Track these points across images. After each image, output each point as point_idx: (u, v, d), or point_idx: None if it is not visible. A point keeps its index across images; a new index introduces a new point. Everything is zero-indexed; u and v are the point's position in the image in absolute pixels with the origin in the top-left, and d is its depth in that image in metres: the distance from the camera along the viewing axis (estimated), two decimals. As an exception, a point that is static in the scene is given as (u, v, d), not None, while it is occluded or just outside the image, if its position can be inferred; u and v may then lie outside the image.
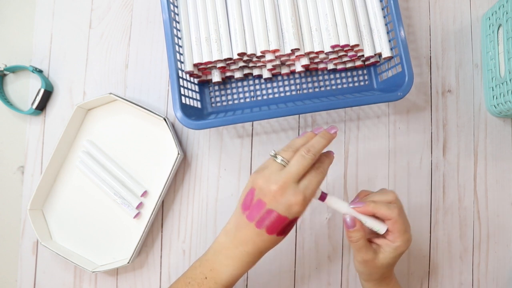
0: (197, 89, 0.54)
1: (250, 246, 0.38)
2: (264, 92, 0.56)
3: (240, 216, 0.39)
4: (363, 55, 0.53)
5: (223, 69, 0.53)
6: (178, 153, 0.51)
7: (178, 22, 0.51)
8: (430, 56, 0.58)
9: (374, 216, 0.40)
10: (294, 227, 0.54)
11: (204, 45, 0.50)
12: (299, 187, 0.37)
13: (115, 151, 0.55)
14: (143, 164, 0.54)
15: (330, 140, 0.40)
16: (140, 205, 0.53)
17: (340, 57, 0.53)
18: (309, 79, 0.56)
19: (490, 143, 0.57)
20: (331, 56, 0.52)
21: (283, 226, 0.37)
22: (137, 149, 0.55)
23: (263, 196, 0.37)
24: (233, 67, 0.53)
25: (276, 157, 0.39)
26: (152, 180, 0.54)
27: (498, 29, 0.54)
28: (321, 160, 0.40)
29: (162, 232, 0.55)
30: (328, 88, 0.56)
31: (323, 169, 0.39)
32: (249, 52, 0.50)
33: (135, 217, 0.53)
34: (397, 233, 0.39)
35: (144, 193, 0.54)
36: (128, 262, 0.51)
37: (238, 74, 0.54)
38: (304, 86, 0.56)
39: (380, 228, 0.40)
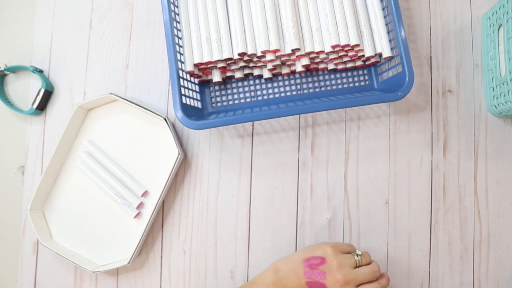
0: (197, 89, 0.54)
1: None
2: (264, 92, 0.56)
3: (299, 266, 0.45)
4: (363, 55, 0.53)
5: (223, 69, 0.53)
6: (179, 153, 0.51)
7: (179, 22, 0.51)
8: (431, 56, 0.58)
9: None
10: (295, 229, 0.54)
11: (205, 45, 0.50)
12: None
13: (116, 151, 0.55)
14: (143, 164, 0.54)
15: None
16: (140, 205, 0.53)
17: (340, 57, 0.53)
18: (309, 79, 0.56)
19: (491, 143, 0.57)
20: (331, 56, 0.52)
21: None
22: (138, 149, 0.55)
23: (328, 273, 0.43)
24: (233, 67, 0.53)
25: (356, 255, 0.46)
26: (152, 180, 0.54)
27: (499, 29, 0.54)
28: (382, 282, 0.46)
29: (162, 232, 0.55)
30: (329, 88, 0.56)
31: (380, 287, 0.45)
32: (249, 52, 0.50)
33: (135, 217, 0.53)
34: None
35: (145, 193, 0.54)
36: (129, 262, 0.51)
37: (238, 74, 0.54)
38: (305, 86, 0.56)
39: None
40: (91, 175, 0.54)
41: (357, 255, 0.46)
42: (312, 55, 0.52)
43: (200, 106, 0.53)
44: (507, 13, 0.51)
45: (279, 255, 0.54)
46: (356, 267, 0.45)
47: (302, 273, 0.44)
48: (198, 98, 0.54)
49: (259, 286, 0.45)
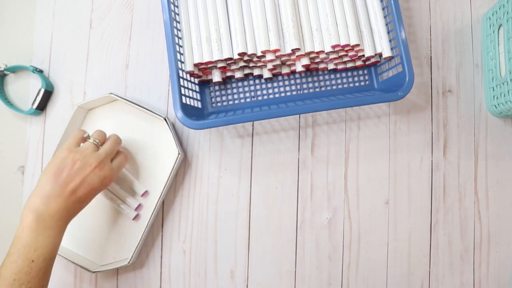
0: (197, 89, 0.54)
1: (65, 212, 0.42)
2: (264, 92, 0.56)
3: (52, 184, 0.42)
4: (363, 55, 0.53)
5: (223, 69, 0.53)
6: (179, 153, 0.51)
7: (179, 22, 0.51)
8: (431, 56, 0.58)
9: None
10: (295, 229, 0.54)
11: (205, 45, 0.50)
12: (113, 165, 0.47)
13: (116, 151, 0.55)
14: (143, 164, 0.54)
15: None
16: (140, 206, 0.53)
17: (340, 57, 0.53)
18: (309, 79, 0.56)
19: (491, 143, 0.57)
20: (331, 56, 0.52)
21: (93, 194, 0.45)
22: (138, 149, 0.55)
23: (83, 170, 0.43)
24: (233, 67, 0.53)
25: (89, 138, 0.47)
26: (152, 180, 0.54)
27: (499, 29, 0.54)
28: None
29: (162, 232, 0.55)
30: (329, 88, 0.56)
31: (125, 154, 0.50)
32: (249, 52, 0.50)
33: (134, 218, 0.53)
34: None
35: (145, 193, 0.54)
36: (129, 262, 0.51)
37: (238, 74, 0.54)
38: (305, 86, 0.56)
39: None
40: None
41: (94, 140, 0.47)
42: (312, 55, 0.52)
43: (200, 106, 0.53)
44: (507, 13, 0.51)
45: (279, 255, 0.54)
46: (97, 146, 0.47)
47: (59, 187, 0.42)
48: (198, 98, 0.54)
49: (34, 230, 0.41)
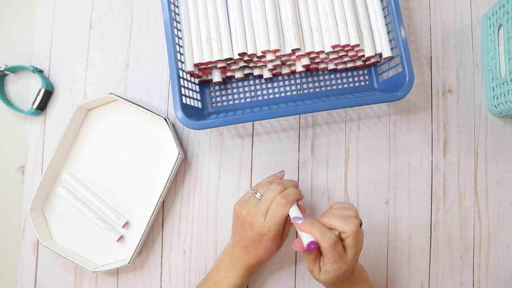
0: (197, 89, 0.54)
1: (241, 262, 0.46)
2: (264, 92, 0.56)
3: (232, 237, 0.48)
4: (363, 55, 0.53)
5: (223, 69, 0.53)
6: (179, 153, 0.51)
7: (179, 22, 0.51)
8: (431, 56, 0.58)
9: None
10: (294, 229, 0.54)
11: (205, 45, 0.50)
12: (266, 221, 0.43)
13: (115, 151, 0.55)
14: (143, 164, 0.54)
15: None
16: (127, 223, 0.54)
17: (340, 57, 0.53)
18: (309, 79, 0.56)
19: (491, 143, 0.57)
20: (331, 56, 0.52)
21: (260, 248, 0.45)
22: (138, 149, 0.55)
23: (246, 224, 0.44)
24: (233, 67, 0.53)
25: (255, 193, 0.46)
26: (152, 180, 0.54)
27: (499, 29, 0.54)
28: (287, 191, 0.45)
29: (162, 232, 0.55)
30: (329, 88, 0.56)
31: (286, 201, 0.43)
32: (249, 52, 0.50)
33: (118, 240, 0.53)
34: (326, 259, 0.39)
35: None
36: (129, 262, 0.51)
37: (238, 74, 0.54)
38: (305, 86, 0.56)
39: (304, 241, 0.39)
40: (85, 191, 0.54)
41: (255, 193, 0.46)
42: (312, 55, 0.52)
43: (200, 106, 0.53)
44: (507, 13, 0.51)
45: (279, 254, 0.54)
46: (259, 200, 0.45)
47: (235, 241, 0.47)
48: (198, 98, 0.54)
49: (219, 268, 0.48)
